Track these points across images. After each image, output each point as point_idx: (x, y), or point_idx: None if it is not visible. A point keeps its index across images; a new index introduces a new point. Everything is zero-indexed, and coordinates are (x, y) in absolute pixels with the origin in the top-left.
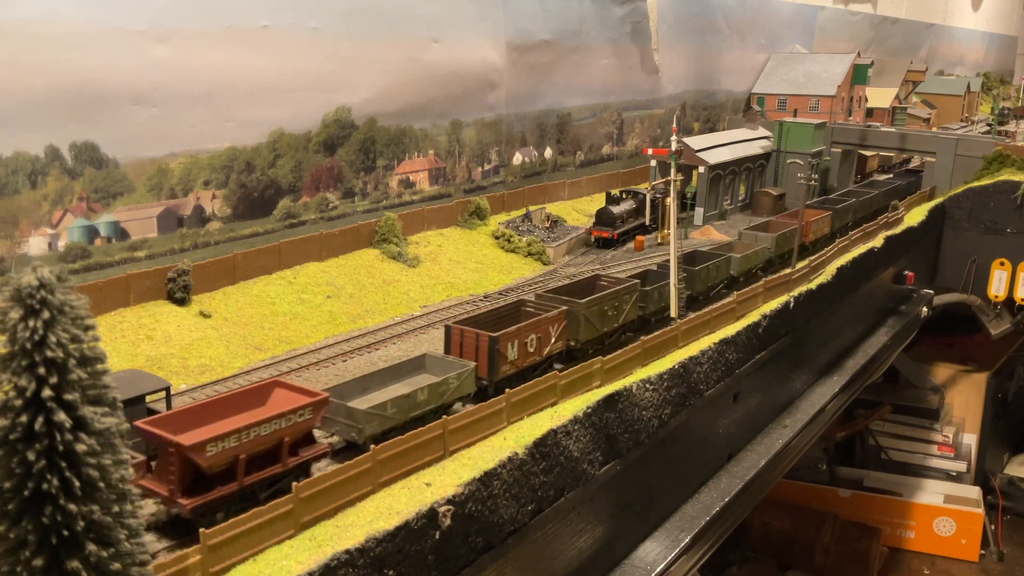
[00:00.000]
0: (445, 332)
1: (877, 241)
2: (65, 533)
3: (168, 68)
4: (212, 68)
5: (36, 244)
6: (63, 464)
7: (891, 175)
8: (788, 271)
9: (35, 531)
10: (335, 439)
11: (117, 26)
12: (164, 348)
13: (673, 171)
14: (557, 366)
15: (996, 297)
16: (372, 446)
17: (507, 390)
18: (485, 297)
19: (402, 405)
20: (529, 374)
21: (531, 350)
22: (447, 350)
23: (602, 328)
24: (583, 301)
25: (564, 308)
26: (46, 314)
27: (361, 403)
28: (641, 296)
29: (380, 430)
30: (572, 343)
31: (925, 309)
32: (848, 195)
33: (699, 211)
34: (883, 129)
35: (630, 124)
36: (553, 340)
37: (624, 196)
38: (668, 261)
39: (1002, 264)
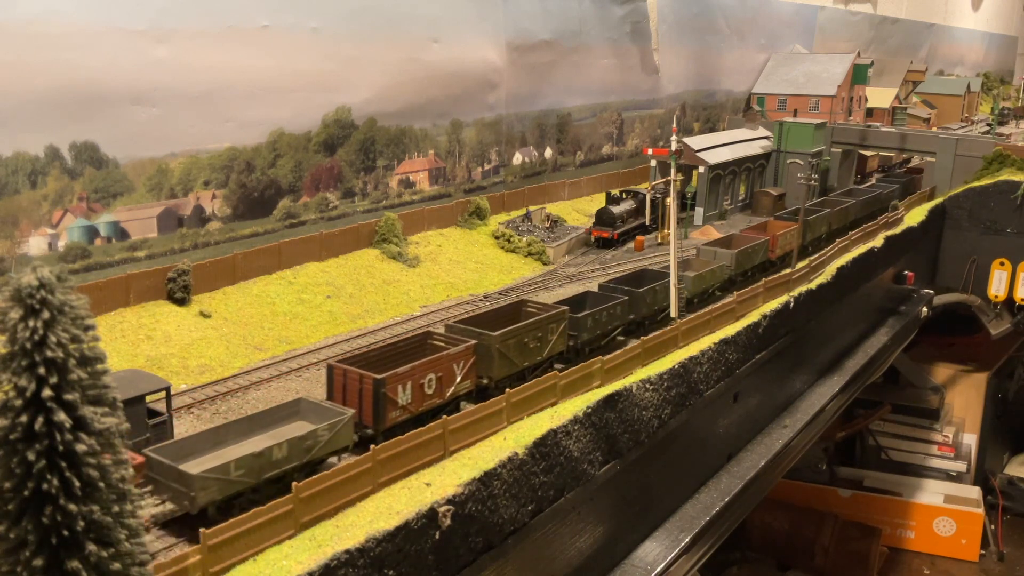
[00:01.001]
0: (327, 373)
1: (877, 241)
2: (65, 533)
3: (168, 68)
4: (212, 68)
5: (36, 244)
6: (63, 464)
7: (872, 183)
8: (788, 271)
9: (35, 531)
10: (168, 507)
11: (117, 26)
12: (164, 348)
13: (673, 171)
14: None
15: (996, 297)
16: (372, 446)
17: (507, 390)
18: (485, 297)
19: (252, 465)
20: (428, 418)
21: (430, 391)
22: (329, 394)
23: (521, 362)
24: (497, 333)
25: (471, 343)
26: (46, 314)
27: (204, 462)
28: (572, 324)
29: (221, 496)
30: (484, 380)
31: (925, 309)
32: (823, 204)
33: (699, 211)
34: (883, 129)
35: (630, 124)
36: (458, 379)
37: (624, 196)
38: (614, 280)
39: (1002, 264)
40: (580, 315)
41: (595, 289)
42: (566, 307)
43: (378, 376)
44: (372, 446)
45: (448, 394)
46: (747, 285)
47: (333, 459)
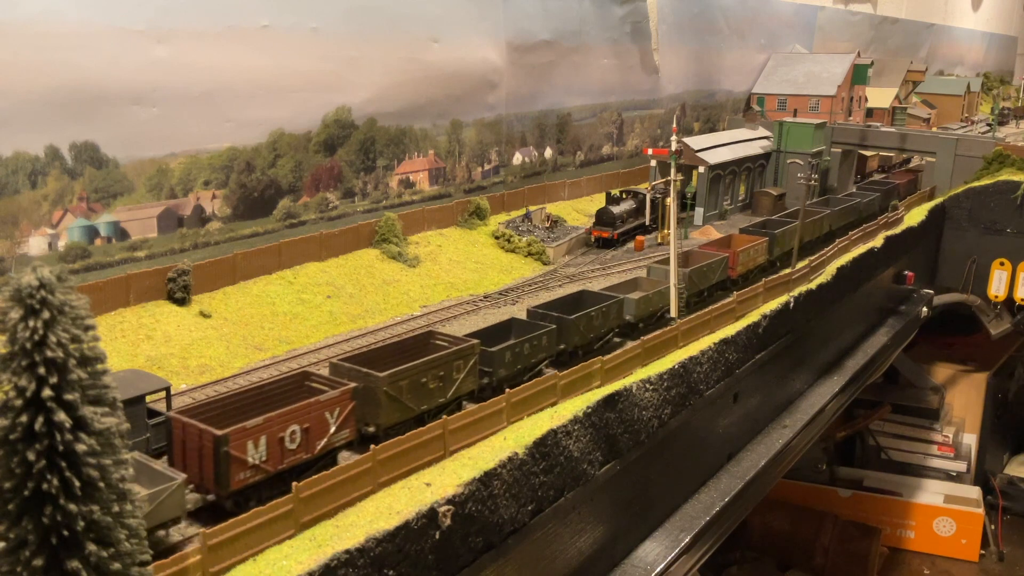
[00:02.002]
0: (167, 427)
1: (877, 241)
2: (65, 533)
3: (168, 68)
4: (212, 68)
5: (36, 244)
6: (63, 464)
7: (852, 190)
8: (788, 271)
9: (35, 531)
10: None
11: (117, 26)
12: (164, 348)
13: (673, 171)
14: (548, 371)
15: (996, 297)
16: (372, 446)
17: (507, 390)
18: (485, 297)
19: None
20: (292, 476)
21: (293, 446)
22: (169, 453)
23: (418, 406)
24: (384, 374)
25: (349, 386)
26: (46, 314)
27: None
28: (486, 359)
29: None
30: (370, 428)
31: (925, 309)
32: (794, 215)
33: (699, 211)
34: (883, 129)
35: (630, 124)
36: (333, 429)
37: (624, 196)
38: (545, 304)
39: (1002, 264)
40: (495, 349)
41: (540, 308)
42: (476, 341)
43: (219, 432)
44: (372, 446)
45: (319, 448)
46: (704, 307)
47: (160, 532)
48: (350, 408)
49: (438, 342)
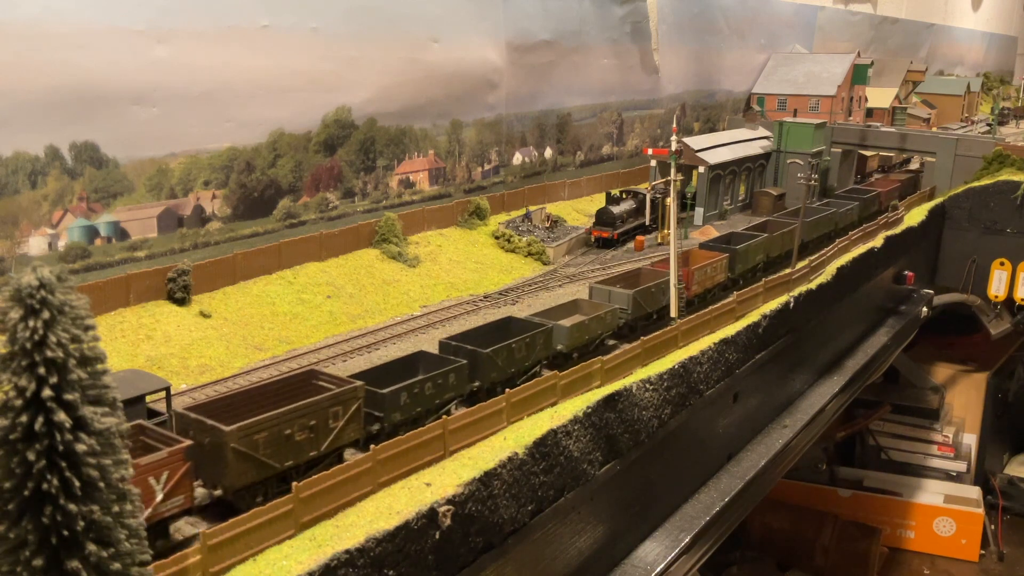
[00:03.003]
0: None
1: (877, 241)
2: (65, 533)
3: (168, 68)
4: (212, 68)
5: (36, 244)
6: (63, 464)
7: (828, 199)
8: (788, 271)
9: (35, 531)
10: None
11: (117, 26)
12: (164, 348)
13: (673, 171)
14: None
15: (996, 297)
16: (372, 446)
17: (507, 390)
18: (485, 297)
19: None
20: None
21: None
22: None
23: (282, 462)
24: (232, 428)
25: (180, 446)
26: (46, 314)
27: None
28: (375, 402)
29: None
30: (216, 491)
31: (925, 309)
32: (762, 228)
33: (699, 211)
34: (883, 129)
35: (630, 124)
36: (160, 497)
37: (624, 196)
38: (461, 335)
39: (1002, 264)
40: (387, 391)
41: (454, 339)
42: (359, 383)
43: None
44: (372, 446)
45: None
46: (649, 332)
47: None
48: (184, 470)
49: (321, 383)
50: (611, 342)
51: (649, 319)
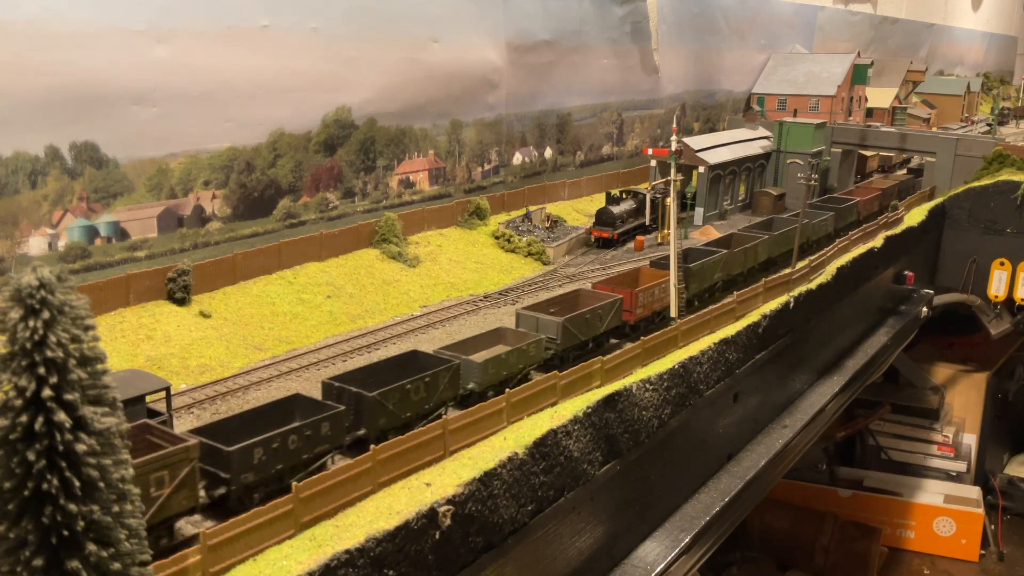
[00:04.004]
0: None
1: (877, 241)
2: (65, 533)
3: (168, 68)
4: (212, 68)
5: (36, 244)
6: (63, 464)
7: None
8: (788, 271)
9: (35, 531)
10: None
11: (117, 26)
12: (164, 348)
13: (673, 171)
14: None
15: (996, 297)
16: (372, 446)
17: (507, 390)
18: (485, 297)
19: None
20: None
21: None
22: None
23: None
24: None
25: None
26: (46, 314)
27: None
28: (220, 461)
29: None
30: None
31: (925, 309)
32: (726, 243)
33: (699, 211)
34: (883, 129)
35: (630, 124)
36: None
37: (624, 196)
38: (347, 374)
39: (1002, 264)
40: (235, 448)
41: (340, 379)
42: (193, 441)
43: None
44: (372, 446)
45: None
46: (586, 358)
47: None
48: None
49: (154, 438)
50: (535, 376)
51: (583, 348)
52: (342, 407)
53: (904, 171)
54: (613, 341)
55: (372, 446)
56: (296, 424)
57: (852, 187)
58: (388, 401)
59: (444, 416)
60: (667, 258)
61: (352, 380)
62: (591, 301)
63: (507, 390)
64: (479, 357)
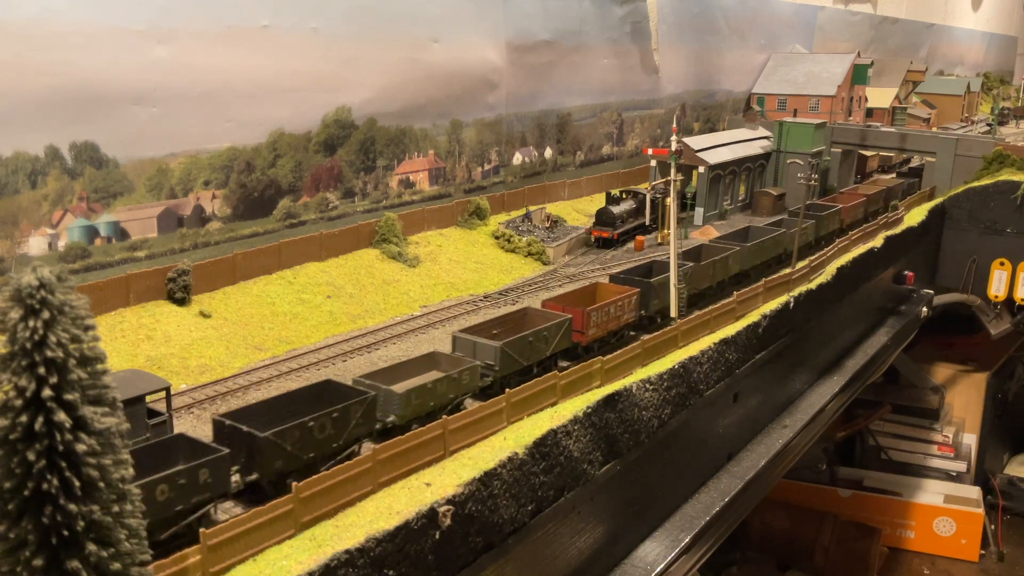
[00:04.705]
0: None
1: (877, 241)
2: (65, 533)
3: (168, 68)
4: (212, 68)
5: (36, 244)
6: (63, 464)
7: (781, 217)
8: (788, 271)
9: (35, 531)
10: None
11: (117, 26)
12: (164, 348)
13: (673, 171)
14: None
15: (996, 297)
16: (372, 446)
17: (507, 390)
18: (485, 297)
19: None
20: None
21: None
22: None
23: None
24: None
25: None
26: (46, 314)
27: None
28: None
29: None
30: None
31: (925, 309)
32: (695, 255)
33: (699, 211)
34: (883, 129)
35: (630, 124)
36: None
37: (624, 196)
38: (237, 412)
39: (1002, 264)
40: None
41: (232, 415)
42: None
43: None
44: (372, 446)
45: None
46: (527, 380)
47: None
48: None
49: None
50: (470, 404)
51: (527, 373)
52: (224, 450)
53: (893, 175)
54: (564, 364)
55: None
56: (191, 465)
57: (836, 195)
58: (285, 441)
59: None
60: (627, 271)
61: (249, 416)
62: (538, 321)
63: (507, 390)
64: (401, 387)
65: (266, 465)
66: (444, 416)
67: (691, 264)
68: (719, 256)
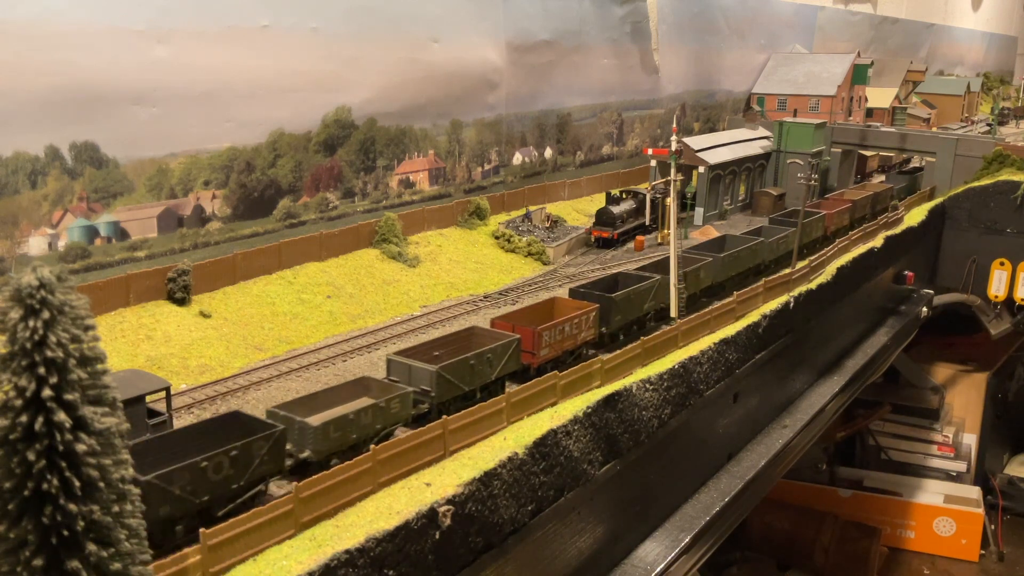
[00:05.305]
0: None
1: (877, 241)
2: (65, 533)
3: (168, 68)
4: (212, 68)
5: (36, 244)
6: (63, 464)
7: (760, 225)
8: (788, 271)
9: (35, 531)
10: None
11: (117, 26)
12: (164, 348)
13: (673, 171)
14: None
15: (996, 297)
16: (372, 446)
17: (507, 390)
18: (485, 297)
19: None
20: None
21: None
22: None
23: None
24: None
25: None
26: (46, 314)
27: None
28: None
29: None
30: None
31: (925, 309)
32: (661, 267)
33: (699, 211)
34: (883, 129)
35: (630, 124)
36: None
37: (624, 196)
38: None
39: (1002, 264)
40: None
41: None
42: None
43: None
44: (372, 446)
45: None
46: (470, 405)
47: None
48: None
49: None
50: (402, 432)
51: (470, 398)
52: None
53: (883, 178)
54: (511, 388)
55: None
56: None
57: (821, 200)
58: (173, 484)
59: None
60: (588, 285)
61: (144, 451)
62: (485, 341)
63: (507, 390)
64: (319, 418)
65: (149, 512)
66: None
67: (657, 277)
68: (690, 268)
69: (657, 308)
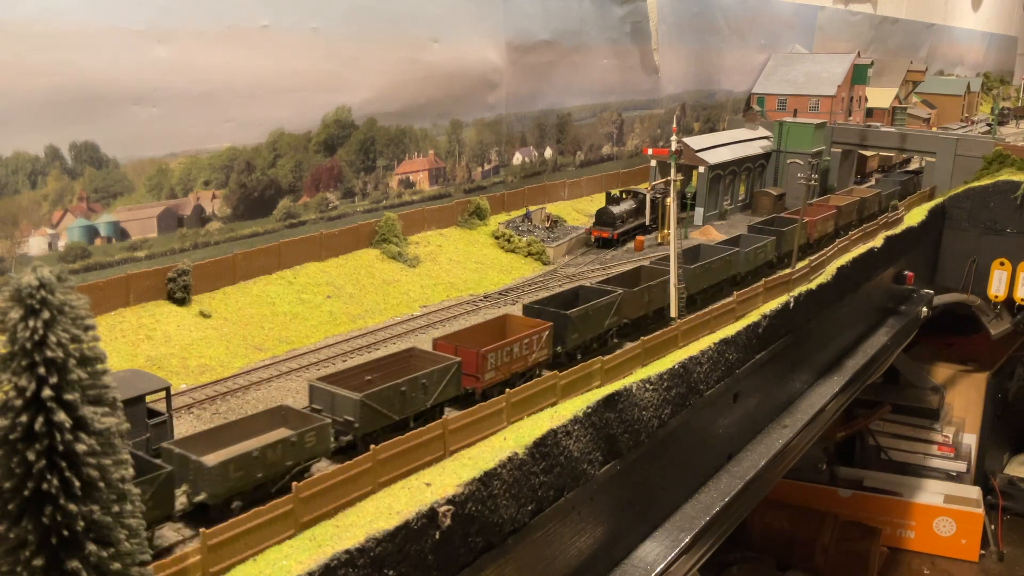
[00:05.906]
0: None
1: (877, 241)
2: (65, 533)
3: (168, 68)
4: (212, 68)
5: (36, 244)
6: (63, 464)
7: (740, 233)
8: (788, 271)
9: (35, 531)
10: None
11: (117, 26)
12: (164, 348)
13: (673, 171)
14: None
15: (996, 297)
16: (372, 446)
17: (507, 390)
18: (485, 297)
19: None
20: None
21: None
22: None
23: None
24: None
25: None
26: (46, 314)
27: None
28: None
29: None
30: None
31: (925, 309)
32: (627, 278)
33: (699, 211)
34: (883, 129)
35: (630, 124)
36: None
37: (624, 196)
38: None
39: (1002, 264)
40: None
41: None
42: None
43: None
44: (372, 446)
45: None
46: (401, 434)
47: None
48: None
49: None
50: (324, 468)
51: (402, 427)
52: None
53: (872, 183)
54: (450, 413)
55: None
56: None
57: (808, 205)
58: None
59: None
60: (544, 301)
61: None
62: (422, 365)
63: (507, 390)
64: (216, 457)
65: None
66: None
67: (620, 291)
68: (655, 282)
69: (619, 324)
